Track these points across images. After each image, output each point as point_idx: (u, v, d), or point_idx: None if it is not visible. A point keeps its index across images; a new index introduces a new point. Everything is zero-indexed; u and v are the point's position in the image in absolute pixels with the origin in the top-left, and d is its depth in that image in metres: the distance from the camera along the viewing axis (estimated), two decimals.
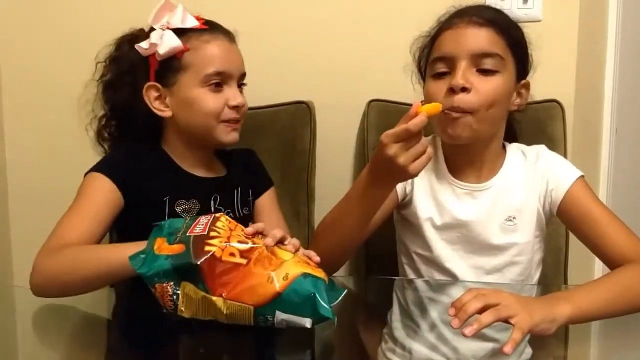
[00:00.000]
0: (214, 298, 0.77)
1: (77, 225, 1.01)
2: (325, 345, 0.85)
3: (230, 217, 0.91)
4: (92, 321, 0.99)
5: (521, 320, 0.77)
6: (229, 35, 1.15)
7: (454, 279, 1.11)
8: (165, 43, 1.09)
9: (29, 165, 1.52)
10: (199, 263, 0.77)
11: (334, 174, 1.47)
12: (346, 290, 0.85)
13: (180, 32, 1.10)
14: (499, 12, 1.10)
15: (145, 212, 1.05)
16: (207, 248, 0.78)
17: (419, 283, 1.13)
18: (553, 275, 1.34)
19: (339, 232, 1.04)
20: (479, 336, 0.75)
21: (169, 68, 1.11)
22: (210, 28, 1.13)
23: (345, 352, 0.86)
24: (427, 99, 1.09)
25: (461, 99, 1.01)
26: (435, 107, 0.94)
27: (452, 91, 1.02)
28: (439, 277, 1.13)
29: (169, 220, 0.88)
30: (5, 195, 1.53)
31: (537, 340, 0.81)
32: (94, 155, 1.19)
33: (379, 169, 0.96)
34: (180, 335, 0.84)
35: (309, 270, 0.80)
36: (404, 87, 1.21)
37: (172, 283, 0.78)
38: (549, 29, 1.41)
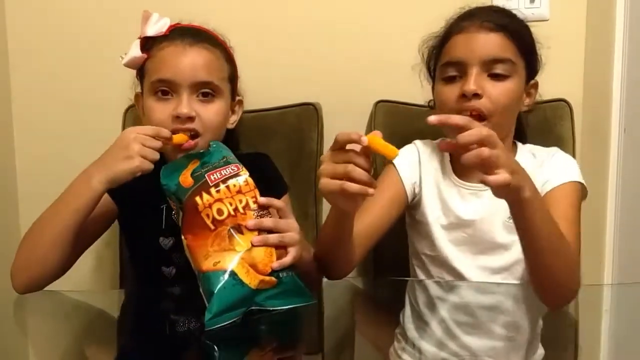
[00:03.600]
0: (182, 236, 0.86)
1: None
2: (336, 344, 0.85)
3: None
4: (103, 321, 1.00)
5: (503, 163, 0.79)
6: (192, 38, 1.08)
7: (462, 279, 1.11)
8: (129, 53, 1.09)
9: (38, 171, 1.53)
10: (184, 202, 0.86)
11: None
12: (315, 302, 0.87)
13: (150, 41, 1.09)
14: (508, 15, 1.10)
15: (143, 218, 1.04)
16: (197, 198, 0.86)
17: (430, 283, 1.13)
18: None
19: (329, 241, 1.01)
20: (490, 335, 0.75)
21: (140, 77, 1.12)
22: (172, 34, 1.08)
23: (356, 351, 0.85)
24: (438, 102, 1.10)
25: (474, 104, 1.02)
26: (388, 148, 0.83)
27: (464, 96, 1.02)
28: (448, 277, 1.13)
29: (218, 146, 0.94)
30: (15, 201, 1.53)
31: (549, 341, 0.80)
32: None
33: None
34: (188, 333, 0.84)
35: (239, 271, 0.82)
36: (411, 87, 1.22)
37: (175, 204, 0.90)
38: (556, 28, 1.40)
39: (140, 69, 1.11)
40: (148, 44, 1.09)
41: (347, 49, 1.47)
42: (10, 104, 1.52)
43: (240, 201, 0.87)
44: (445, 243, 1.13)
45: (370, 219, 1.07)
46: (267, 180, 1.16)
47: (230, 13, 1.45)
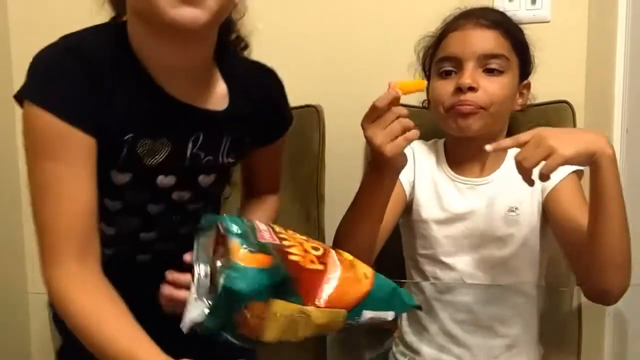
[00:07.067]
0: (309, 308, 0.72)
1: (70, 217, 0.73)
2: (336, 349, 0.85)
3: (208, 161, 0.84)
4: None
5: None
6: None
7: (459, 275, 1.11)
8: None
9: None
10: (290, 274, 0.71)
11: (343, 177, 1.47)
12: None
13: None
14: (503, 14, 1.13)
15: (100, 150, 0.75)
16: (292, 257, 0.73)
17: (426, 285, 1.13)
18: (565, 277, 1.33)
19: (358, 231, 1.02)
20: (486, 335, 0.75)
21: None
22: None
23: (356, 356, 0.86)
24: (433, 98, 1.12)
25: (469, 98, 1.04)
26: (416, 84, 0.95)
27: (460, 90, 1.04)
28: (443, 275, 1.13)
29: (209, 216, 0.78)
30: (18, 200, 1.54)
31: (552, 342, 0.80)
32: None
33: (371, 156, 0.97)
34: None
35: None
36: None
37: (262, 302, 0.69)
38: (558, 29, 1.40)
39: None
40: None
41: (349, 51, 1.47)
42: (15, 107, 1.53)
43: (298, 237, 0.79)
44: (441, 239, 1.13)
45: None
46: (265, 121, 0.93)
47: None
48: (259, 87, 0.90)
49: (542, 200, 1.10)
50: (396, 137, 0.89)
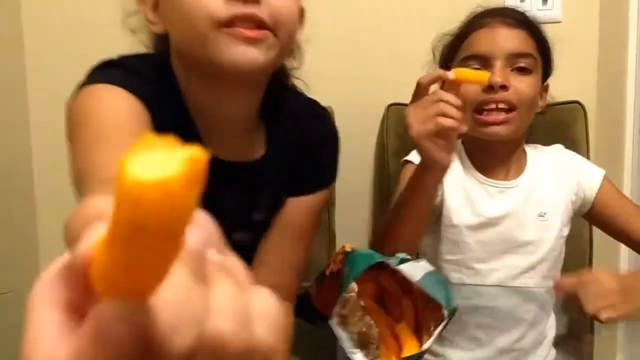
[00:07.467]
0: None
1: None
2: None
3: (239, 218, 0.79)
4: None
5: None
6: None
7: (488, 280, 1.09)
8: None
9: (55, 164, 1.53)
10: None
11: (353, 179, 1.47)
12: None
13: None
14: (526, 15, 1.11)
15: None
16: None
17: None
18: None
19: (401, 232, 0.99)
20: (513, 336, 0.74)
21: None
22: None
23: None
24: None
25: (501, 96, 1.02)
26: (477, 75, 0.89)
27: (491, 88, 1.02)
28: (470, 281, 1.11)
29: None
30: (31, 196, 1.54)
31: (564, 345, 0.80)
32: None
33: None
34: None
35: None
36: None
37: None
38: (569, 29, 1.40)
39: None
40: None
41: (359, 53, 1.47)
42: (27, 97, 1.53)
43: None
44: (472, 244, 1.10)
45: None
46: (309, 173, 0.84)
47: None
48: (303, 129, 0.83)
49: (580, 208, 1.13)
50: (427, 120, 0.84)
